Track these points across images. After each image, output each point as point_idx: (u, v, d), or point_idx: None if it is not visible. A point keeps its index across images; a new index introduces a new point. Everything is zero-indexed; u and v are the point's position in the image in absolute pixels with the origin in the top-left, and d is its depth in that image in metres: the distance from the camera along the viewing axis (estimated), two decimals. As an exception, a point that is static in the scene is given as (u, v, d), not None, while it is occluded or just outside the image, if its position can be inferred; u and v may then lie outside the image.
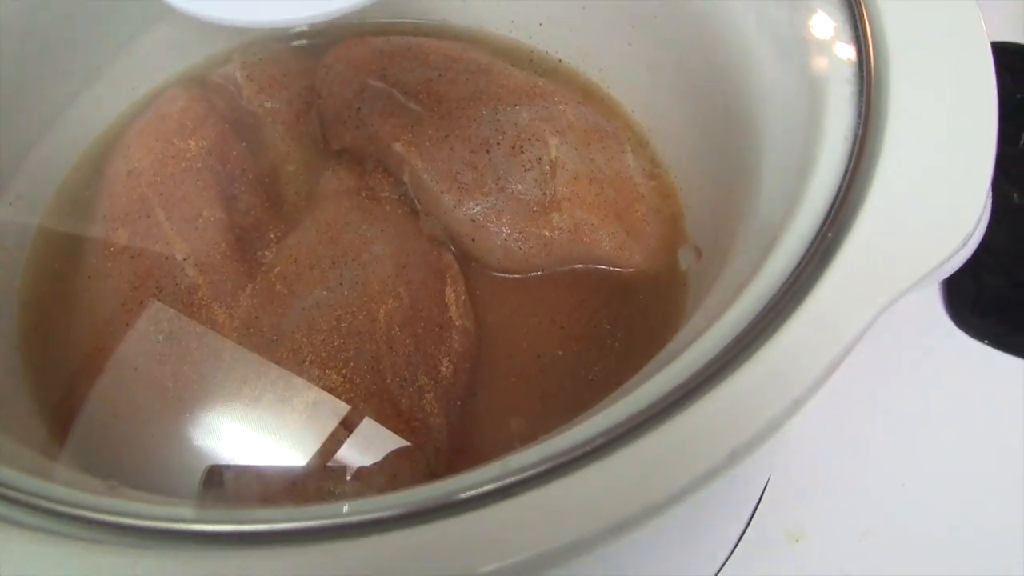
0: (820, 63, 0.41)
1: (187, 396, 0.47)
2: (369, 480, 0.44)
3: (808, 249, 0.35)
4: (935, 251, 0.34)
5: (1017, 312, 0.63)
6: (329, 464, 0.44)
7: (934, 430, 0.60)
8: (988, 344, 0.63)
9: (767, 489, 0.57)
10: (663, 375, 0.32)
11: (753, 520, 0.57)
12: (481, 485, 0.30)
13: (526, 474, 0.30)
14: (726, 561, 0.54)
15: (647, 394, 0.31)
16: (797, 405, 0.31)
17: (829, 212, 0.36)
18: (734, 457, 0.30)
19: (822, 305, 0.33)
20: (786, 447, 0.58)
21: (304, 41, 0.60)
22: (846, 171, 0.37)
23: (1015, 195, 0.67)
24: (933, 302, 0.65)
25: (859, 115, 0.39)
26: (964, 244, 0.35)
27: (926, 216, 0.35)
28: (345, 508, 0.30)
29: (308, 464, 0.44)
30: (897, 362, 0.62)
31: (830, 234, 0.35)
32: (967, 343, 0.64)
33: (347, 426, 0.45)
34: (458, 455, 0.46)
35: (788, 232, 0.36)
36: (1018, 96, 0.70)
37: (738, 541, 0.56)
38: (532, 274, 0.51)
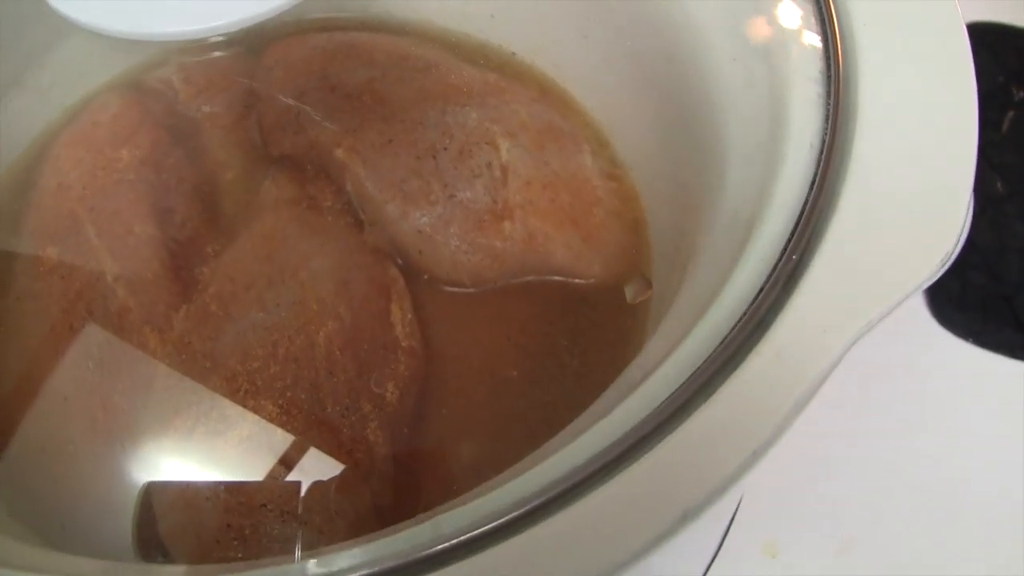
0: (783, 60, 0.39)
1: (117, 428, 0.44)
2: (308, 519, 0.41)
3: (771, 273, 0.32)
4: (910, 274, 0.31)
5: (1002, 309, 0.60)
6: (265, 503, 0.41)
7: (916, 434, 0.58)
8: (972, 343, 0.61)
9: (742, 501, 0.54)
10: (607, 422, 0.29)
11: (728, 535, 0.54)
12: (410, 553, 0.27)
13: (455, 540, 0.27)
14: (700, 580, 0.51)
15: (589, 445, 0.28)
16: (756, 456, 0.28)
17: (793, 231, 0.33)
18: (686, 519, 0.27)
19: (785, 338, 0.30)
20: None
21: (244, 41, 0.56)
22: (812, 184, 0.34)
23: (999, 184, 0.64)
24: (914, 299, 0.62)
25: (826, 120, 0.36)
26: (943, 265, 0.32)
27: (900, 236, 0.32)
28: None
29: (243, 503, 0.41)
30: (876, 362, 0.60)
31: (795, 256, 0.32)
32: (950, 342, 0.61)
33: (284, 461, 0.42)
34: (406, 485, 0.43)
35: (749, 253, 0.33)
36: (1000, 78, 0.67)
37: (713, 557, 0.53)
38: (484, 287, 0.48)
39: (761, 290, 0.31)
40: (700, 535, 0.51)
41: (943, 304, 0.61)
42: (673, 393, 0.29)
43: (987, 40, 0.69)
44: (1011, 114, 0.66)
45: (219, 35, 0.38)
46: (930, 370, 0.60)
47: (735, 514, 0.54)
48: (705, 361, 0.29)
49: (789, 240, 0.32)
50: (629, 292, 0.47)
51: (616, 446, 0.28)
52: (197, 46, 0.56)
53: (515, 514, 0.27)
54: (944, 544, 0.55)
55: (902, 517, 0.55)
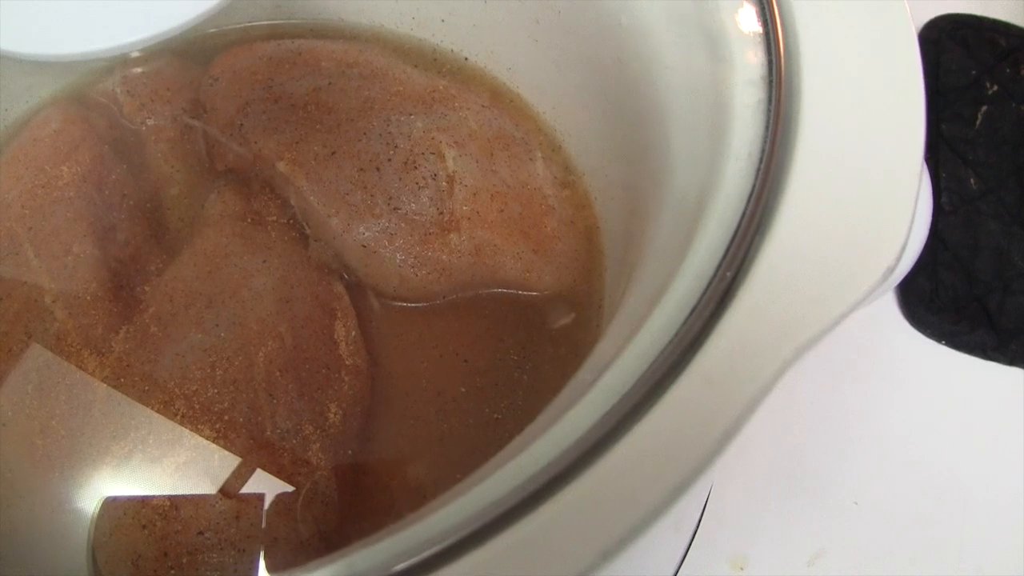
0: (727, 64, 0.37)
1: (56, 455, 0.42)
2: (247, 546, 0.39)
3: (704, 292, 0.30)
4: (846, 294, 0.30)
5: (975, 309, 0.59)
6: (202, 531, 0.39)
7: (888, 441, 0.57)
8: (945, 344, 0.59)
9: (706, 510, 0.53)
10: (528, 455, 0.28)
11: (691, 548, 0.53)
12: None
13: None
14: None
15: (506, 479, 0.27)
16: (680, 490, 0.26)
17: (728, 246, 0.31)
18: (606, 557, 0.26)
19: (714, 364, 0.29)
20: (726, 463, 0.54)
21: (192, 51, 0.55)
22: (749, 197, 0.32)
23: (972, 181, 0.62)
24: (886, 300, 0.61)
25: (767, 127, 0.34)
26: (884, 279, 0.30)
27: (838, 252, 0.31)
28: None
29: (180, 531, 0.40)
30: (847, 366, 0.58)
31: (729, 274, 0.30)
32: (923, 343, 0.60)
33: (223, 487, 0.40)
34: (352, 508, 0.42)
35: (685, 269, 0.32)
36: (973, 72, 0.65)
37: (676, 572, 0.52)
38: (432, 302, 0.47)
39: (693, 310, 0.30)
40: (662, 548, 0.50)
41: (915, 305, 0.60)
42: (594, 425, 0.27)
43: (959, 33, 0.67)
44: (984, 109, 0.65)
45: (136, 51, 0.37)
46: (902, 374, 0.59)
47: (699, 523, 0.53)
48: (629, 390, 0.28)
49: (724, 256, 0.31)
50: (551, 318, 0.46)
51: (534, 480, 0.27)
52: (143, 55, 0.54)
53: (428, 553, 0.26)
54: (916, 553, 0.53)
55: (875, 528, 0.54)
